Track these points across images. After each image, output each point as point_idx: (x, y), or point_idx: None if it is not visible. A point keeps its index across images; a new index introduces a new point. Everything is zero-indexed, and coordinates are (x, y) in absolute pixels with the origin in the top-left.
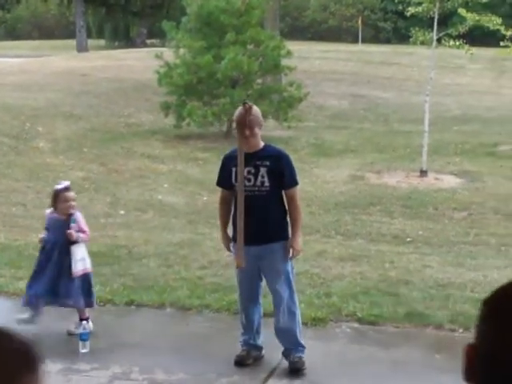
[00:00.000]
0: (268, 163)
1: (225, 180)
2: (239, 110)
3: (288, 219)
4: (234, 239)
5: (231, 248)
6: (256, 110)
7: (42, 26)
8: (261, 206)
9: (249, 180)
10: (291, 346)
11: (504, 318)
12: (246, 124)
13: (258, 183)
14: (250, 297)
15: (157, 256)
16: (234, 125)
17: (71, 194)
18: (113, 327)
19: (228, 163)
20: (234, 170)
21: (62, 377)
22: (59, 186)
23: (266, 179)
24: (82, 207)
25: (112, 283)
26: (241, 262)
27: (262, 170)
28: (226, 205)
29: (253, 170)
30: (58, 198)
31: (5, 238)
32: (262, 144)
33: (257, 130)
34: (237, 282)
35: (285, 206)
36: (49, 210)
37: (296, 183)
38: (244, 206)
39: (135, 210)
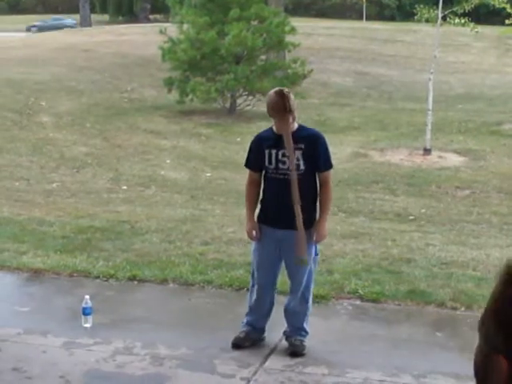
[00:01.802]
0: (303, 146)
1: (255, 162)
2: (274, 97)
3: (317, 204)
4: (262, 220)
5: (253, 234)
6: (291, 94)
7: (45, 1)
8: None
9: (283, 163)
10: (295, 328)
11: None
12: (284, 107)
13: (295, 165)
14: (267, 281)
15: (159, 231)
16: (271, 113)
17: None
18: (115, 302)
19: (259, 144)
20: (267, 152)
21: (64, 351)
22: None
23: (301, 162)
24: (84, 181)
25: (115, 258)
26: (302, 252)
27: (297, 153)
28: (254, 188)
29: (287, 153)
30: None
31: (8, 213)
32: (296, 125)
33: (294, 113)
34: (254, 263)
35: (317, 190)
36: None
37: (331, 166)
38: (277, 189)
39: (138, 185)
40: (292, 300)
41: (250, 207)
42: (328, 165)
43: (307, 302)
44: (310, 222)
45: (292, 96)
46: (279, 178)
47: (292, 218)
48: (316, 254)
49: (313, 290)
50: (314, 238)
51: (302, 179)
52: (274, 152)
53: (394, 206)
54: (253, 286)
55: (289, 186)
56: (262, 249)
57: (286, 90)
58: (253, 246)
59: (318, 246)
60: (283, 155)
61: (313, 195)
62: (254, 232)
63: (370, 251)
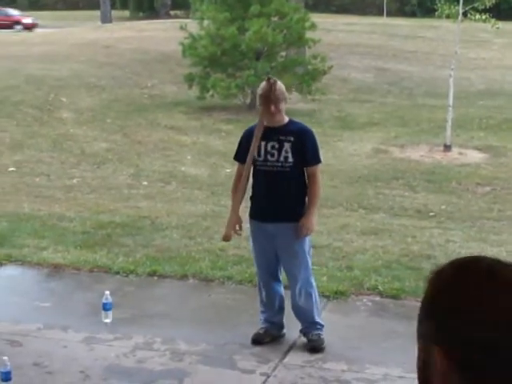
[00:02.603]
0: (292, 138)
1: (244, 154)
2: (263, 84)
3: (306, 199)
4: (253, 215)
5: (238, 229)
6: (280, 84)
7: None
8: (283, 182)
9: (272, 155)
10: (309, 324)
11: (455, 298)
12: (271, 99)
13: (282, 159)
14: (268, 276)
15: (179, 227)
16: (258, 99)
17: None
18: (135, 298)
19: (248, 137)
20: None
21: (85, 346)
22: None
23: (289, 155)
24: (105, 177)
25: (135, 254)
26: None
27: (286, 146)
28: (243, 180)
29: (277, 145)
30: None
31: (28, 209)
32: (286, 119)
33: (282, 105)
34: (254, 260)
35: (305, 185)
36: None
37: (319, 161)
38: (265, 182)
39: (158, 181)
40: (294, 296)
41: (236, 201)
42: (316, 159)
43: (311, 296)
44: (299, 215)
45: (281, 87)
46: (268, 170)
47: (283, 210)
48: (309, 248)
49: (315, 282)
50: (299, 231)
51: (289, 172)
52: (263, 144)
53: (414, 203)
54: (259, 283)
55: (278, 178)
56: (257, 245)
57: (274, 79)
58: (250, 242)
59: (310, 240)
60: (272, 147)
61: (301, 189)
62: (236, 227)
63: (389, 247)
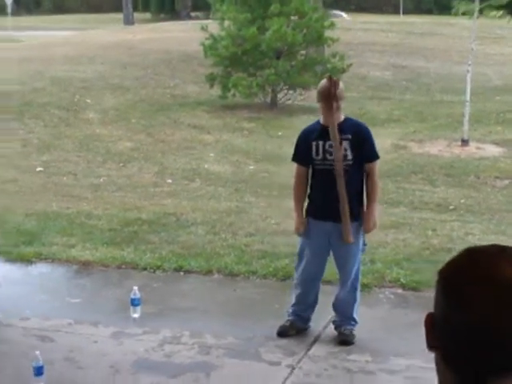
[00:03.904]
0: (350, 136)
1: (302, 155)
2: (324, 83)
3: (364, 196)
4: (312, 214)
5: (301, 229)
6: (341, 83)
7: (89, 1)
8: (345, 180)
9: (330, 153)
10: (345, 318)
11: (444, 283)
12: (333, 97)
13: (343, 157)
14: (314, 272)
15: (204, 223)
16: (318, 97)
17: None
18: (162, 293)
19: (307, 137)
20: (314, 144)
21: (114, 341)
22: None
23: (348, 152)
24: (130, 176)
25: (161, 250)
26: (350, 238)
27: (345, 143)
28: (302, 182)
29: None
30: None
31: (57, 207)
32: (342, 117)
33: (341, 104)
34: (301, 256)
35: (363, 181)
36: None
37: (377, 157)
38: (324, 181)
39: (182, 178)
40: (342, 290)
41: (298, 202)
42: (375, 155)
43: (356, 291)
44: (358, 213)
45: (341, 85)
46: (327, 168)
47: (335, 208)
48: (364, 245)
49: (361, 279)
50: (363, 229)
51: (349, 170)
52: (320, 143)
53: (433, 197)
54: (298, 279)
55: (336, 177)
56: (312, 242)
57: (334, 77)
58: (301, 240)
59: (366, 237)
60: (330, 146)
61: (360, 186)
62: (302, 228)
63: (410, 241)
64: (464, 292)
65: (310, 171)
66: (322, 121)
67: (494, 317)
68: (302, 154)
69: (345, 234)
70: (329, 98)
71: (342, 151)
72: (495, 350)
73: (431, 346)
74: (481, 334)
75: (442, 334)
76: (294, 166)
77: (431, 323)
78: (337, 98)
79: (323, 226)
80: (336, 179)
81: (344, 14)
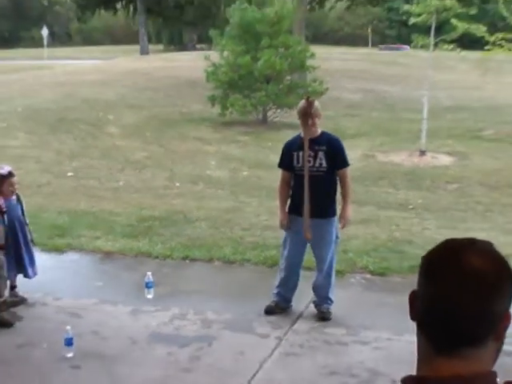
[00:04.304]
0: (325, 148)
1: (286, 163)
2: (302, 103)
3: (336, 197)
4: (292, 211)
5: (284, 224)
6: (317, 103)
7: (111, 34)
8: (319, 184)
9: (309, 162)
10: (323, 299)
11: (422, 267)
12: (309, 115)
13: (317, 164)
14: (295, 260)
15: (206, 220)
16: (298, 115)
17: (15, 178)
18: (172, 277)
19: (289, 148)
20: (295, 154)
21: (132, 316)
22: (3, 172)
23: (323, 161)
24: (145, 180)
25: (170, 242)
26: (309, 235)
27: (320, 154)
28: (286, 185)
29: (312, 154)
30: (3, 182)
31: (84, 206)
32: (319, 131)
33: (317, 120)
34: (285, 245)
35: (336, 185)
36: None
37: (347, 164)
38: (303, 184)
39: (188, 182)
40: (319, 276)
41: (281, 202)
42: (346, 163)
43: (330, 276)
44: (332, 212)
45: (317, 105)
46: (304, 174)
47: (319, 207)
48: (337, 238)
49: (335, 266)
50: (340, 224)
51: (324, 176)
52: (300, 153)
53: (396, 198)
54: (283, 264)
55: (315, 180)
56: (293, 235)
57: (312, 98)
58: (284, 232)
59: (339, 231)
60: (309, 155)
61: (333, 189)
62: (284, 222)
63: (377, 234)
64: (438, 275)
65: (292, 175)
66: (302, 134)
67: (457, 297)
68: (285, 162)
69: (304, 230)
70: (305, 115)
71: (317, 160)
72: (455, 325)
73: (412, 317)
74: (447, 310)
75: (420, 307)
76: (280, 171)
77: (413, 298)
78: (312, 115)
79: (301, 221)
80: (313, 183)
81: (408, 47)
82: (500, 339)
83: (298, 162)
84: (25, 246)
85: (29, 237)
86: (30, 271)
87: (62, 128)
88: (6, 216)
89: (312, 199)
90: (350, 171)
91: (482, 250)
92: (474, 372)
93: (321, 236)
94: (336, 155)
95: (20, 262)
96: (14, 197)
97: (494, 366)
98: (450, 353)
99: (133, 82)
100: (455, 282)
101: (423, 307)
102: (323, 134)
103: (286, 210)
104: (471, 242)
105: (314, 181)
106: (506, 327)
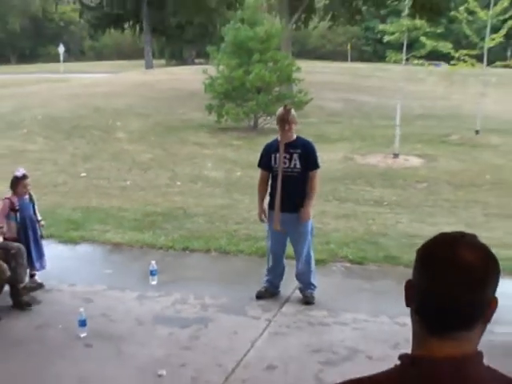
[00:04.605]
0: (299, 151)
1: (265, 163)
2: (280, 110)
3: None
4: (271, 207)
5: (263, 217)
6: (293, 111)
7: (120, 51)
8: (293, 182)
9: (285, 163)
10: (306, 285)
11: (418, 258)
12: (286, 121)
13: (292, 165)
14: (278, 251)
15: (204, 215)
16: (276, 121)
17: (28, 180)
18: (174, 266)
19: (267, 150)
20: (273, 155)
21: (137, 301)
22: (19, 174)
23: (297, 162)
24: (149, 179)
25: (172, 234)
26: (278, 227)
27: (295, 156)
28: (264, 182)
29: (288, 156)
30: (18, 183)
31: (95, 203)
32: (294, 136)
33: (293, 126)
34: (268, 238)
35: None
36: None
37: (318, 166)
38: (279, 183)
39: (188, 181)
40: (299, 264)
41: (260, 198)
42: (316, 166)
43: (310, 264)
44: (305, 207)
45: (293, 112)
46: (283, 174)
47: (294, 203)
48: (312, 229)
49: (314, 255)
50: (300, 215)
51: (298, 176)
52: (277, 155)
53: (372, 195)
54: (269, 255)
55: (290, 180)
56: (272, 228)
57: (289, 106)
58: (266, 227)
59: (313, 223)
60: (284, 157)
61: (306, 188)
62: (262, 215)
63: (356, 228)
64: (433, 269)
65: (270, 175)
66: (279, 138)
67: (451, 289)
68: (264, 162)
69: (275, 222)
70: (283, 121)
71: (292, 161)
72: (448, 313)
73: (407, 303)
74: (442, 300)
75: (416, 295)
76: (259, 171)
77: (409, 287)
78: (289, 122)
79: (280, 216)
80: (289, 181)
81: (443, 64)
82: (487, 322)
83: (275, 163)
84: (34, 242)
85: (39, 233)
86: (37, 265)
87: (76, 134)
88: (18, 214)
89: (287, 196)
90: (319, 173)
91: (473, 244)
92: (464, 353)
93: (296, 228)
94: (309, 158)
95: (28, 256)
96: (27, 196)
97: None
98: (443, 335)
99: (139, 93)
100: (450, 276)
101: (419, 295)
102: (298, 138)
103: (265, 205)
104: (462, 236)
105: (289, 180)
106: (492, 312)
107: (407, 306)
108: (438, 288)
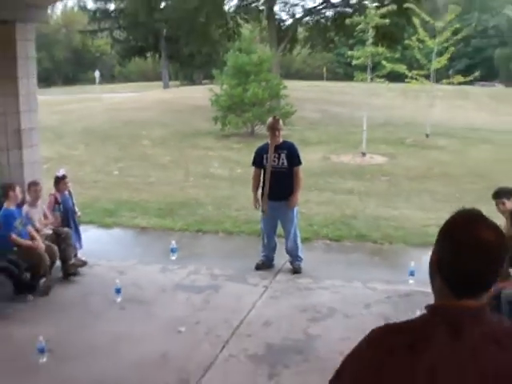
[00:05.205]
0: (286, 151)
1: (258, 162)
2: (270, 120)
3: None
4: (262, 196)
5: (257, 205)
6: (280, 120)
7: (143, 74)
8: (281, 177)
9: (274, 161)
10: (294, 258)
11: (444, 236)
12: (276, 128)
13: (280, 163)
14: (270, 231)
15: (212, 204)
16: (267, 129)
17: (67, 179)
18: (189, 244)
19: (260, 152)
20: (264, 155)
21: (161, 273)
22: (59, 174)
23: (285, 161)
24: (169, 176)
25: (187, 219)
26: (265, 211)
27: (282, 156)
28: (257, 178)
29: (277, 156)
30: (59, 182)
31: (126, 196)
32: (281, 140)
33: (281, 132)
34: (262, 221)
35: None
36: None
37: (300, 163)
38: (270, 177)
39: (199, 177)
40: (288, 242)
41: (254, 190)
42: (299, 163)
43: (296, 241)
44: (290, 195)
45: (281, 122)
46: (272, 170)
47: (282, 193)
48: (297, 213)
49: (300, 234)
50: (289, 203)
51: (285, 172)
52: (268, 155)
53: (345, 186)
54: (263, 234)
55: (279, 175)
56: (264, 213)
57: (277, 116)
58: (260, 213)
59: (299, 209)
60: (274, 157)
61: (292, 181)
62: (256, 205)
63: (333, 212)
64: (453, 245)
65: (262, 171)
66: (269, 142)
67: (473, 263)
68: (257, 161)
69: (263, 206)
70: (273, 129)
71: (280, 160)
72: (471, 280)
73: (432, 272)
74: (466, 271)
75: (441, 266)
76: (252, 168)
77: (434, 259)
78: (278, 129)
79: (272, 204)
80: (277, 177)
81: (499, 84)
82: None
83: (266, 162)
84: (74, 228)
85: (77, 221)
86: (77, 245)
87: (110, 141)
88: (61, 206)
89: (278, 187)
90: (303, 168)
91: (489, 224)
92: (478, 305)
93: (285, 213)
94: (293, 156)
95: None
96: (67, 192)
97: None
98: (465, 296)
99: (159, 108)
100: (472, 253)
101: (445, 268)
102: (284, 142)
103: (258, 195)
104: (479, 216)
105: (279, 175)
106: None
107: (431, 274)
108: (462, 263)
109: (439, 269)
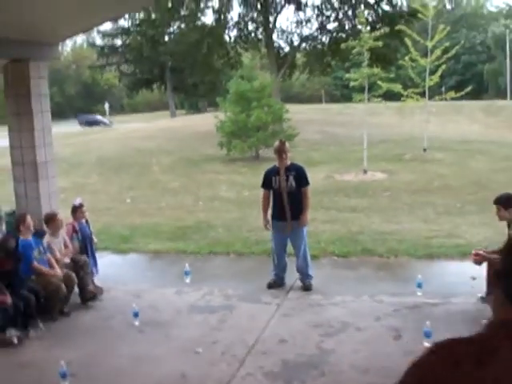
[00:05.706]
0: (294, 173)
1: (267, 184)
2: (277, 143)
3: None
4: (273, 217)
5: (267, 226)
6: (287, 143)
7: (150, 104)
8: (290, 198)
9: (283, 183)
10: (305, 276)
11: (509, 251)
12: (283, 151)
13: (289, 185)
14: (280, 250)
15: (222, 226)
16: (274, 152)
17: (84, 207)
18: (201, 267)
19: (269, 174)
20: (273, 178)
21: (176, 295)
22: (76, 203)
23: (293, 183)
24: (179, 201)
25: (199, 242)
26: (289, 231)
27: (291, 178)
28: (266, 199)
29: (285, 178)
30: (76, 211)
31: (139, 221)
32: (289, 162)
33: (288, 155)
34: (272, 241)
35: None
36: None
37: (308, 184)
38: (280, 198)
39: (208, 201)
40: (298, 260)
41: (264, 211)
42: (307, 183)
43: (306, 259)
44: (301, 215)
45: (287, 145)
46: (281, 192)
47: (292, 213)
48: (306, 232)
49: (309, 252)
50: (300, 222)
51: (294, 192)
52: (277, 178)
53: (349, 204)
54: (273, 254)
55: (288, 196)
56: (276, 234)
57: (283, 140)
58: (270, 233)
59: (307, 228)
60: (283, 179)
61: (301, 201)
62: (266, 225)
63: (339, 229)
64: None
65: (271, 193)
66: (277, 165)
67: None
68: (266, 183)
69: (288, 227)
70: (280, 152)
71: (289, 182)
72: None
73: (494, 286)
74: None
75: (504, 279)
76: (262, 190)
77: (496, 274)
78: (285, 152)
79: (280, 223)
80: (286, 198)
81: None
82: None
83: (275, 184)
84: (91, 254)
85: (94, 248)
86: (94, 270)
87: (121, 169)
88: (79, 234)
89: (286, 208)
90: (310, 189)
91: None
92: None
93: (296, 232)
94: (301, 178)
95: None
96: (84, 220)
97: None
98: None
99: (167, 136)
100: None
101: (506, 280)
102: (292, 164)
103: (268, 216)
104: None
105: (288, 196)
106: None
107: (494, 288)
108: None
109: (499, 282)
